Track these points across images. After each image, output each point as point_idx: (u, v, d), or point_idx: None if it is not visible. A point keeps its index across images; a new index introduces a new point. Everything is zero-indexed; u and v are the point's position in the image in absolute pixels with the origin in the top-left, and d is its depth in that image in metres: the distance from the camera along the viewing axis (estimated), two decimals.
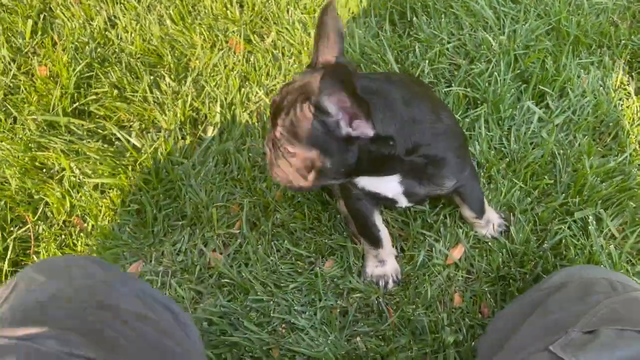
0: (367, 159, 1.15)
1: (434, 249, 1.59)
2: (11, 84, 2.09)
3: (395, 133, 1.13)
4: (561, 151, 1.74)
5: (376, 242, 1.51)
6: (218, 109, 1.91)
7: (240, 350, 1.47)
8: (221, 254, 1.64)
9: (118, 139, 1.89)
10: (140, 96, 1.99)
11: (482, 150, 1.75)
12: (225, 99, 1.95)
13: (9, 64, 2.14)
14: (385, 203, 1.48)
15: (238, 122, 1.89)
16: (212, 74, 2.06)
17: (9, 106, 2.00)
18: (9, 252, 1.66)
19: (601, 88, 1.91)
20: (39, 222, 1.75)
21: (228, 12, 2.25)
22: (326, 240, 1.60)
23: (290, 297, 1.53)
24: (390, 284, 1.56)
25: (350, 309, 1.52)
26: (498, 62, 1.96)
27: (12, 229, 1.73)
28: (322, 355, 1.43)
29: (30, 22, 2.24)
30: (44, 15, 2.30)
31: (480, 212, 1.57)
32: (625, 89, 1.92)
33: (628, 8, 2.15)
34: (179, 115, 1.92)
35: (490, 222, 1.61)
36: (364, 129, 1.09)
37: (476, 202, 1.54)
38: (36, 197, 1.79)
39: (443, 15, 2.16)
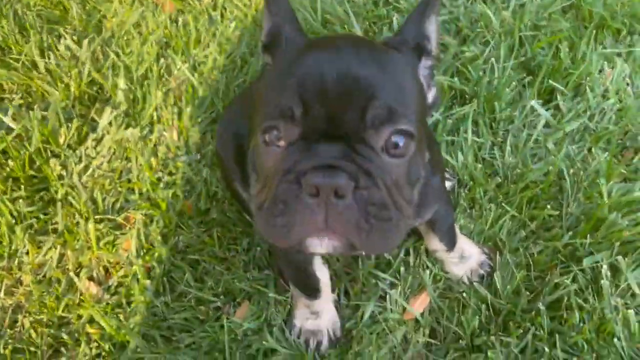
0: None
1: (388, 297, 1.16)
2: None
3: None
4: (571, 170, 1.30)
5: (312, 293, 1.08)
6: (123, 83, 1.44)
7: None
8: (100, 284, 1.20)
9: None
10: (27, 60, 1.52)
11: (466, 163, 1.31)
12: (137, 70, 1.48)
13: None
14: None
15: (150, 103, 1.42)
16: (127, 38, 1.58)
17: None
18: None
19: (628, 88, 1.47)
20: None
21: None
22: (240, 283, 1.16)
23: (182, 359, 1.10)
24: (324, 345, 1.13)
25: None
26: (497, 45, 1.50)
27: None
28: None
29: None
30: None
31: (451, 244, 1.14)
32: None
33: None
34: (72, 89, 1.45)
35: (469, 260, 1.19)
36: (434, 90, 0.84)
37: (447, 230, 1.12)
38: None
39: None
